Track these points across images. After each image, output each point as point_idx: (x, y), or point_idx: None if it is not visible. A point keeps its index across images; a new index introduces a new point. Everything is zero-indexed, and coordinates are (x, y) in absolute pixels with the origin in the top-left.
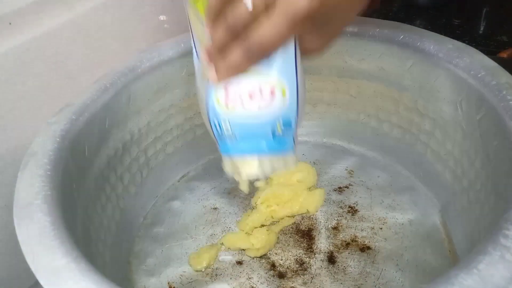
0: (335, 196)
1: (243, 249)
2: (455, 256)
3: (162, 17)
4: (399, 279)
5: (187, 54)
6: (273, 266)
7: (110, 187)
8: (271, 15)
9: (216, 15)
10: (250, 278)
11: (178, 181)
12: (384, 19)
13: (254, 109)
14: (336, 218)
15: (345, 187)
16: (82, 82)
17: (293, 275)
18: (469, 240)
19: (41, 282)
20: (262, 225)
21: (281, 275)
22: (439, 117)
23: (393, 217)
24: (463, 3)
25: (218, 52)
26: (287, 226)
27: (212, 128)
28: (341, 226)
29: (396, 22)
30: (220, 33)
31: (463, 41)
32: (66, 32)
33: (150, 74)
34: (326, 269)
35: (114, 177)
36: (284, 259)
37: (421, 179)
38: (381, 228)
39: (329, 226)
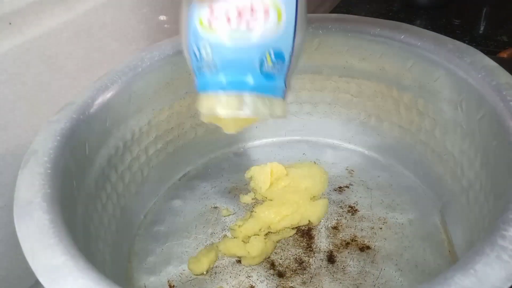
0: (335, 196)
1: (239, 257)
2: (455, 256)
3: (162, 17)
4: (398, 279)
5: None
6: (272, 265)
7: (111, 185)
8: None
9: None
10: (249, 277)
11: (179, 180)
12: (384, 19)
13: (241, 30)
14: (336, 218)
15: (345, 186)
16: (82, 82)
17: (292, 274)
18: (469, 240)
19: (40, 279)
20: (256, 235)
21: (281, 274)
22: (439, 117)
23: (393, 217)
24: (463, 3)
25: None
26: (286, 238)
27: (190, 56)
28: (341, 225)
29: (397, 22)
30: None
31: (463, 41)
32: (66, 32)
33: (151, 73)
34: (325, 268)
35: (115, 175)
36: (283, 258)
37: (421, 179)
38: (381, 228)
39: (329, 225)
